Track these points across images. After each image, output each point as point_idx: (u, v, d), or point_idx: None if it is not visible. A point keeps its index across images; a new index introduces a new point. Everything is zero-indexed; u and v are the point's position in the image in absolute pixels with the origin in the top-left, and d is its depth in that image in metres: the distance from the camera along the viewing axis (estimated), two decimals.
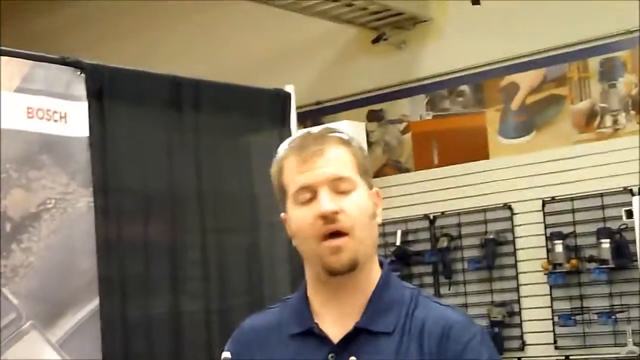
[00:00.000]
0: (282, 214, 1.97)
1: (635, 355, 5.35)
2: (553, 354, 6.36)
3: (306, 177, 1.89)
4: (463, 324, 1.91)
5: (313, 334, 1.90)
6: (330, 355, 1.87)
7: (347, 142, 1.93)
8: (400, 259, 7.02)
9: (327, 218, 1.86)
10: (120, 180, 3.96)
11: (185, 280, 4.17)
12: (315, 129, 1.99)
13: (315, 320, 1.92)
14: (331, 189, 1.88)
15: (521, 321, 6.54)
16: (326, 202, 1.86)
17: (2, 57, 3.65)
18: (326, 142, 1.91)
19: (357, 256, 1.88)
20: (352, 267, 1.88)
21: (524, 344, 6.52)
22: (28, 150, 3.65)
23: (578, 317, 6.28)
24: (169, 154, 4.20)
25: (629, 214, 5.20)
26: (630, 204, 5.84)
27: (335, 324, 1.91)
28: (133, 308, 3.92)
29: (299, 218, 1.89)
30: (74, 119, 3.81)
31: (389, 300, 1.92)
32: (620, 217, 5.95)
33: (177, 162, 4.21)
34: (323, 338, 1.89)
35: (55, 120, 3.75)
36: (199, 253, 4.22)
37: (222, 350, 1.99)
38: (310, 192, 1.88)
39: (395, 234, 6.96)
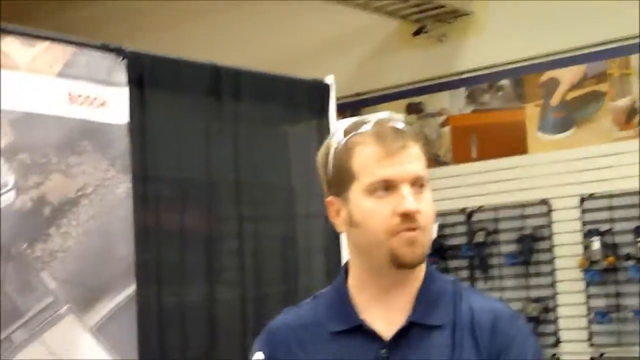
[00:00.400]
0: (330, 197, 1.92)
1: None
2: (587, 350, 6.33)
3: (391, 171, 1.84)
4: (510, 316, 1.91)
5: (359, 331, 1.85)
6: (382, 352, 1.82)
7: (419, 139, 1.91)
8: (437, 253, 7.01)
9: (409, 217, 1.83)
10: (158, 168, 3.98)
11: (221, 269, 4.19)
12: (384, 117, 1.93)
13: (361, 317, 1.87)
14: (411, 186, 1.85)
15: (556, 317, 6.51)
16: (411, 201, 1.83)
17: (44, 42, 3.68)
18: (407, 136, 1.87)
19: (426, 251, 1.87)
20: (422, 261, 1.88)
21: (558, 341, 6.50)
22: (69, 136, 3.68)
23: (614, 315, 6.24)
24: (207, 143, 4.21)
25: None
26: None
27: (383, 319, 1.86)
28: (169, 295, 3.94)
29: (372, 210, 1.83)
30: (114, 105, 3.83)
31: (437, 293, 1.90)
32: None
33: (215, 151, 4.22)
34: (372, 335, 1.84)
35: (96, 107, 3.77)
36: (235, 242, 4.23)
37: (253, 351, 1.94)
38: (390, 187, 1.84)
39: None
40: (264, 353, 1.91)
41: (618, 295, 6.26)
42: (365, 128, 1.89)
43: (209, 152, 4.21)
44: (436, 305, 1.88)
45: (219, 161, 4.23)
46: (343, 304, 1.89)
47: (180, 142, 4.12)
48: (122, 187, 3.81)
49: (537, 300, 6.58)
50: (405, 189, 1.83)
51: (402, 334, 1.84)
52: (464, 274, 6.99)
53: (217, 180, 4.22)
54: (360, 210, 1.85)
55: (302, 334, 1.90)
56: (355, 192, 1.86)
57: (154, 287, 3.90)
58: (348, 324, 1.86)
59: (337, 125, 2.01)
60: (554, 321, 6.52)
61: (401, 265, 1.84)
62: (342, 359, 1.83)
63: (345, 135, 1.90)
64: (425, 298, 1.88)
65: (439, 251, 7.02)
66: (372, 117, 1.92)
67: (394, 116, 1.94)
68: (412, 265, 1.86)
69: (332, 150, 1.91)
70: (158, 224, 3.95)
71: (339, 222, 1.91)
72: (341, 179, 1.88)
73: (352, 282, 1.91)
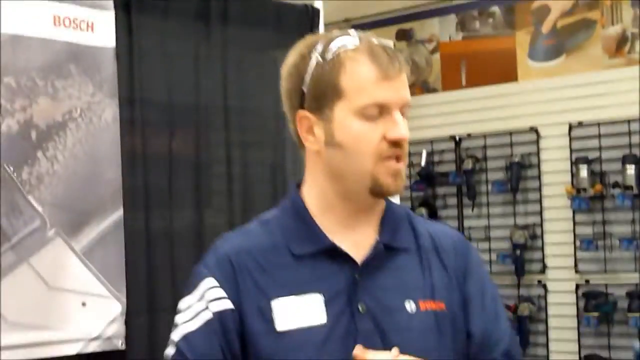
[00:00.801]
0: (304, 112, 1.81)
1: None
2: (573, 277, 6.38)
3: (388, 95, 1.77)
4: (466, 242, 1.95)
5: (329, 254, 1.78)
6: (356, 275, 1.78)
7: (407, 65, 1.84)
8: (425, 180, 7.03)
9: (398, 144, 1.78)
10: (146, 92, 3.96)
11: (209, 194, 4.19)
12: (367, 35, 1.86)
13: (332, 240, 1.81)
14: (400, 113, 1.80)
15: (543, 244, 6.56)
16: (403, 127, 1.78)
17: None
18: (401, 60, 1.81)
19: (404, 182, 1.85)
20: (401, 193, 1.86)
21: (545, 267, 6.55)
22: (54, 59, 3.64)
23: (600, 243, 6.28)
24: (196, 67, 4.18)
25: None
26: None
27: (351, 243, 1.81)
28: (157, 220, 3.95)
29: (361, 132, 1.76)
30: (101, 28, 3.78)
31: (398, 219, 1.89)
32: None
33: (204, 76, 4.19)
34: (344, 257, 1.79)
35: (82, 30, 3.73)
36: (223, 167, 4.23)
37: (198, 277, 1.81)
38: (383, 111, 1.77)
39: (420, 154, 6.95)
40: (215, 279, 1.78)
41: (604, 223, 6.29)
42: (353, 43, 1.82)
43: (197, 76, 4.18)
44: (399, 229, 1.87)
45: (207, 86, 4.20)
46: (308, 227, 1.81)
47: (168, 67, 4.09)
48: (109, 111, 3.79)
49: (524, 227, 6.62)
50: (398, 115, 1.78)
51: (374, 257, 1.81)
52: (452, 200, 7.02)
53: (206, 105, 4.20)
54: (346, 132, 1.77)
55: (261, 259, 1.79)
56: (342, 111, 1.77)
57: (142, 211, 3.90)
58: (317, 246, 1.79)
59: (311, 38, 1.87)
60: (541, 248, 6.56)
61: (380, 194, 1.82)
62: (312, 281, 1.76)
63: (329, 47, 1.81)
64: (390, 222, 1.87)
65: (427, 178, 7.03)
66: (353, 33, 1.86)
67: (370, 35, 1.87)
68: (390, 196, 1.84)
69: (312, 62, 1.80)
70: (146, 149, 3.94)
71: (310, 140, 1.81)
72: (322, 95, 1.79)
73: (315, 205, 1.83)
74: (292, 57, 1.85)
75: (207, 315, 1.76)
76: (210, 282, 1.79)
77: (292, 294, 1.75)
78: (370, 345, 1.72)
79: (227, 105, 4.26)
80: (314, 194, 1.84)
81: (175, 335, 1.78)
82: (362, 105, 1.77)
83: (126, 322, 3.73)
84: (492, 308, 1.89)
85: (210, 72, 4.21)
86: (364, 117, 1.77)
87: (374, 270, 1.80)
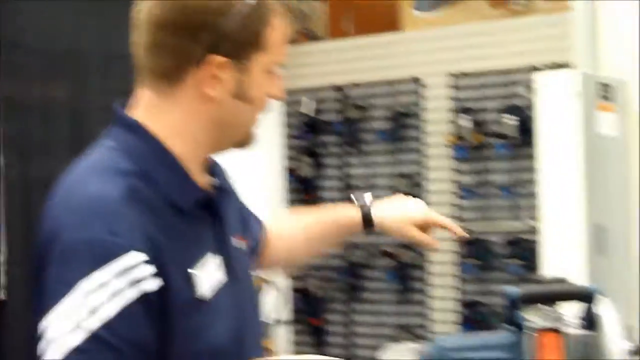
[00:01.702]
0: (217, 57, 1.67)
1: (533, 228, 5.48)
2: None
3: (285, 54, 1.77)
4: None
5: (200, 205, 1.72)
6: (219, 223, 1.76)
7: None
8: (310, 129, 7.04)
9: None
10: (24, 37, 3.86)
11: (88, 142, 4.12)
12: None
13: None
14: None
15: (425, 193, 6.65)
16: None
17: None
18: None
19: None
20: None
21: None
22: None
23: (480, 191, 6.41)
24: (76, 14, 4.09)
25: (532, 91, 5.26)
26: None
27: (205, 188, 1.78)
28: (35, 168, 3.87)
29: (266, 89, 1.74)
30: None
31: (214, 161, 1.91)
32: (525, 95, 6.02)
33: (83, 23, 4.11)
34: (210, 206, 1.75)
35: None
36: (103, 115, 4.16)
37: (112, 252, 1.53)
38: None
39: (305, 103, 6.95)
40: (139, 251, 1.55)
41: (485, 172, 6.41)
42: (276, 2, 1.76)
43: (77, 23, 4.09)
44: (220, 172, 1.88)
45: (86, 33, 4.12)
46: (183, 177, 1.69)
47: (47, 13, 3.99)
48: None
49: (407, 176, 6.70)
50: (279, 74, 1.78)
51: (220, 201, 1.80)
52: (336, 149, 7.05)
53: (85, 52, 4.12)
54: (258, 87, 1.73)
55: (162, 219, 1.63)
56: (259, 64, 1.72)
57: (20, 159, 3.82)
58: (195, 198, 1.71)
59: None
60: (423, 197, 6.66)
61: (247, 146, 1.80)
62: (204, 238, 1.72)
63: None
64: (216, 166, 1.86)
65: (312, 127, 7.04)
66: None
67: None
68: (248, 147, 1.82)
69: (238, 4, 1.68)
70: (23, 96, 3.85)
71: (217, 88, 1.69)
72: (246, 43, 1.69)
73: (182, 151, 1.70)
74: None
75: (133, 294, 1.53)
76: (134, 257, 1.54)
77: (200, 256, 1.67)
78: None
79: (106, 52, 4.19)
80: (184, 140, 1.70)
81: (89, 321, 1.49)
82: (276, 62, 1.75)
83: (6, 272, 3.66)
84: None
85: (89, 19, 4.13)
86: (269, 73, 1.75)
87: (224, 213, 1.80)
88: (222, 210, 1.78)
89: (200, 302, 1.63)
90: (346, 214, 2.25)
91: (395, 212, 2.26)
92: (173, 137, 1.69)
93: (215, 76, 1.67)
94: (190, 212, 1.68)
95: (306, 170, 7.00)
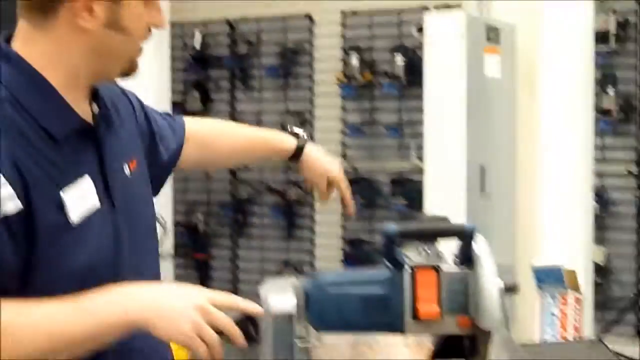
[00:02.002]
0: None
1: (418, 168, 5.56)
2: (341, 163, 6.53)
3: None
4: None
5: (78, 132, 1.70)
6: (100, 149, 1.74)
7: None
8: (199, 63, 6.98)
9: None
10: None
11: None
12: None
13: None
14: None
15: (313, 130, 6.67)
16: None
17: None
18: None
19: None
20: None
21: None
22: None
23: (367, 130, 6.46)
24: None
25: (421, 31, 5.29)
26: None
27: (87, 116, 1.74)
28: None
29: (142, 20, 1.72)
30: None
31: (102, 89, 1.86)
32: (414, 36, 6.06)
33: None
34: (89, 133, 1.73)
35: None
36: None
37: None
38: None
39: (194, 37, 6.87)
40: (2, 175, 1.55)
41: (372, 110, 6.46)
42: None
43: None
44: (108, 99, 1.85)
45: None
46: (57, 104, 1.67)
47: None
48: None
49: (296, 113, 6.71)
50: (158, 3, 1.76)
51: (104, 128, 1.78)
52: (225, 84, 7.01)
53: None
54: (133, 17, 1.70)
55: (31, 144, 1.62)
56: None
57: None
58: (72, 126, 1.69)
59: None
60: (311, 134, 6.68)
61: (129, 76, 1.78)
62: (79, 163, 1.69)
63: None
64: (103, 94, 1.83)
65: (201, 61, 6.98)
66: None
67: None
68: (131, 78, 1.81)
69: None
70: None
71: (86, 18, 1.66)
72: None
73: (59, 80, 1.68)
74: None
75: None
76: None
77: (72, 182, 1.66)
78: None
79: None
80: (60, 70, 1.68)
81: None
82: None
83: None
84: None
85: None
86: (147, 3, 1.72)
87: (107, 141, 1.77)
88: (105, 139, 1.76)
89: (67, 226, 1.63)
90: (281, 139, 2.35)
91: (320, 159, 2.38)
92: (49, 68, 1.68)
93: (89, 7, 1.65)
94: (66, 139, 1.67)
95: (194, 105, 6.95)
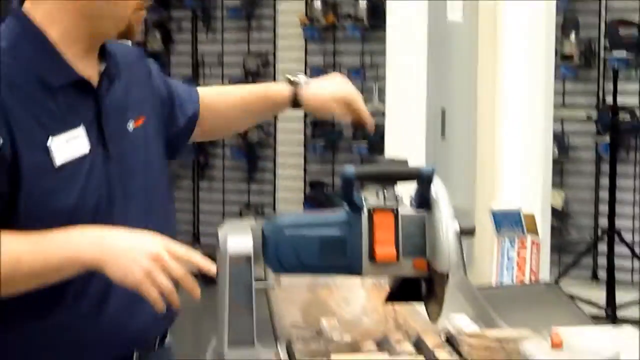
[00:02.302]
0: None
1: (380, 111, 5.55)
2: None
3: None
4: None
5: (75, 86, 1.80)
6: (100, 104, 1.83)
7: None
8: (160, 3, 6.90)
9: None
10: None
11: None
12: None
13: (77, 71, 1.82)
14: None
15: (275, 72, 6.65)
16: None
17: None
18: None
19: None
20: None
21: None
22: None
23: (330, 72, 6.42)
24: None
25: None
26: None
27: (89, 74, 1.84)
28: None
29: None
30: None
31: (111, 48, 1.95)
32: None
33: None
34: (88, 88, 1.82)
35: None
36: None
37: None
38: None
39: None
40: None
41: (335, 53, 6.44)
42: None
43: None
44: (115, 57, 1.94)
45: None
46: (55, 59, 1.80)
47: None
48: None
49: (258, 54, 6.67)
50: None
51: (108, 85, 1.87)
52: (187, 24, 6.96)
53: None
54: None
55: (23, 92, 1.75)
56: None
57: None
58: (68, 79, 1.80)
59: None
60: (273, 76, 6.66)
61: (129, 38, 1.90)
62: (73, 113, 1.79)
63: None
64: (110, 53, 1.92)
65: (163, 1, 6.91)
66: None
67: None
68: (134, 40, 1.94)
69: None
70: None
71: None
72: None
73: (58, 39, 1.81)
74: None
75: None
76: None
77: (64, 129, 1.76)
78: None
79: None
80: (59, 28, 1.82)
81: None
82: None
83: None
84: None
85: None
86: None
87: (109, 97, 1.86)
88: (107, 94, 1.85)
89: (51, 167, 1.72)
90: (277, 89, 2.35)
91: (322, 89, 2.36)
92: (50, 25, 1.80)
93: None
94: (62, 90, 1.77)
95: (155, 45, 6.88)
